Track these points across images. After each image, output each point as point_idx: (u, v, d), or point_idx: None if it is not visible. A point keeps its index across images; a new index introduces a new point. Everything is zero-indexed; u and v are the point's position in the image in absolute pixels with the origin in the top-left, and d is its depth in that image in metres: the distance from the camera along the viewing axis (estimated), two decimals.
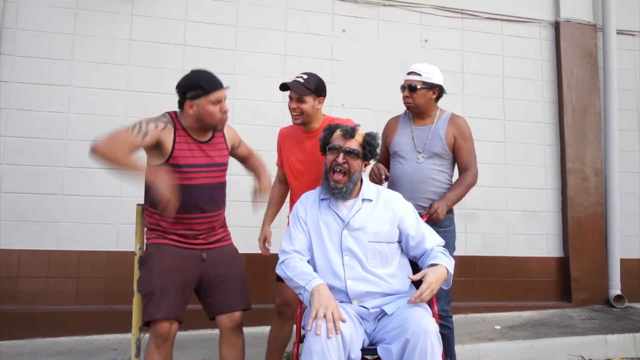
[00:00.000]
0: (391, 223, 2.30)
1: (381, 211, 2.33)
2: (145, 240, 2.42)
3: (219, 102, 2.33)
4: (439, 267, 2.14)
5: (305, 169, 2.82)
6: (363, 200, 2.34)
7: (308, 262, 2.27)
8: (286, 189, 3.04)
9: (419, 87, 2.78)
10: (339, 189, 2.28)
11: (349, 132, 2.32)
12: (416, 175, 2.75)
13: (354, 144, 2.31)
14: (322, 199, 2.37)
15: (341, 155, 2.29)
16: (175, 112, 2.42)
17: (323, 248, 2.26)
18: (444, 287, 2.20)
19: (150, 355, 2.28)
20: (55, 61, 4.17)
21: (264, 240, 3.00)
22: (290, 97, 2.76)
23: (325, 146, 2.38)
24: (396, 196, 2.43)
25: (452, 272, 2.19)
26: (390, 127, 3.01)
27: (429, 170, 2.77)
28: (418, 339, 1.90)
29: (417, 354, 1.89)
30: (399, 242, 2.33)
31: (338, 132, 2.35)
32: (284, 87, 2.75)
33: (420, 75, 2.80)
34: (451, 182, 2.88)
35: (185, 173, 2.30)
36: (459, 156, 2.86)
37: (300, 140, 2.86)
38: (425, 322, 1.96)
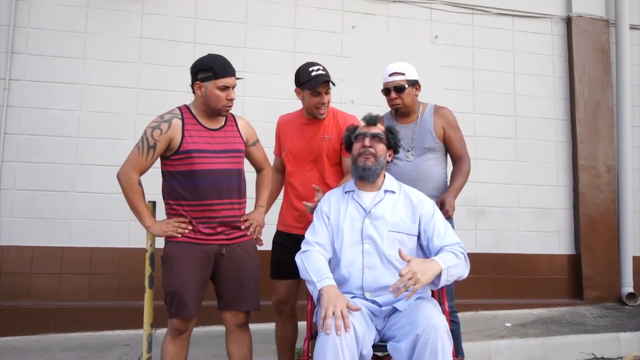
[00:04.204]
0: (411, 217, 2.31)
1: (402, 204, 2.35)
2: (164, 238, 2.42)
3: (226, 88, 2.36)
4: (431, 262, 2.05)
5: (301, 152, 2.78)
6: (385, 191, 2.37)
7: (329, 259, 2.30)
8: (282, 178, 2.97)
9: (406, 86, 2.80)
10: (368, 167, 2.31)
11: (372, 119, 2.42)
12: (414, 173, 2.74)
13: (378, 129, 2.40)
14: (345, 192, 2.42)
15: (367, 139, 2.34)
16: (186, 105, 2.47)
17: (344, 237, 2.29)
18: (431, 288, 2.20)
19: (167, 345, 2.39)
20: (67, 59, 4.20)
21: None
22: (318, 92, 2.66)
23: (351, 138, 2.44)
24: (417, 192, 2.42)
25: (447, 276, 2.05)
26: None
27: (425, 166, 2.78)
28: (429, 336, 1.89)
29: (428, 350, 1.87)
30: (418, 237, 2.32)
31: (362, 123, 2.46)
32: (313, 83, 2.64)
33: (404, 74, 2.82)
34: (446, 173, 2.89)
35: (196, 158, 2.34)
36: (451, 146, 2.88)
37: (302, 126, 2.83)
38: (435, 319, 1.95)
